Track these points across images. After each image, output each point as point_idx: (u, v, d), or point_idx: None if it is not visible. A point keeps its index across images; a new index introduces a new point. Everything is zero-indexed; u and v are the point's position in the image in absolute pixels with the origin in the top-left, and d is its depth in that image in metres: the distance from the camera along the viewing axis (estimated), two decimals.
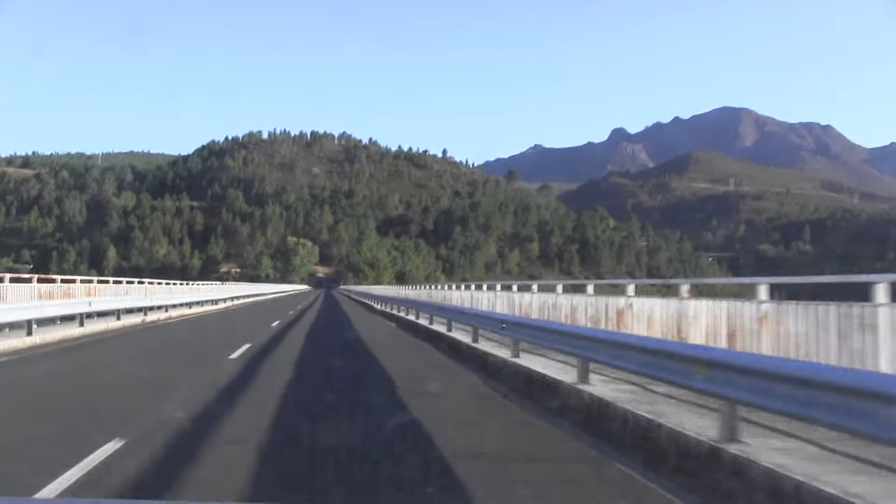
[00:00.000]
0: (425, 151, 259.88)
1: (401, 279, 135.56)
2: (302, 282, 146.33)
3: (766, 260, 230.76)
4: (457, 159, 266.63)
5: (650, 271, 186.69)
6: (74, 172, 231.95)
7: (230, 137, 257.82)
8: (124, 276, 30.30)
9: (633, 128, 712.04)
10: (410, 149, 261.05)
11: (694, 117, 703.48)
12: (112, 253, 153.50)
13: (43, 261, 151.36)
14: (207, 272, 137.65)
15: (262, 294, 65.54)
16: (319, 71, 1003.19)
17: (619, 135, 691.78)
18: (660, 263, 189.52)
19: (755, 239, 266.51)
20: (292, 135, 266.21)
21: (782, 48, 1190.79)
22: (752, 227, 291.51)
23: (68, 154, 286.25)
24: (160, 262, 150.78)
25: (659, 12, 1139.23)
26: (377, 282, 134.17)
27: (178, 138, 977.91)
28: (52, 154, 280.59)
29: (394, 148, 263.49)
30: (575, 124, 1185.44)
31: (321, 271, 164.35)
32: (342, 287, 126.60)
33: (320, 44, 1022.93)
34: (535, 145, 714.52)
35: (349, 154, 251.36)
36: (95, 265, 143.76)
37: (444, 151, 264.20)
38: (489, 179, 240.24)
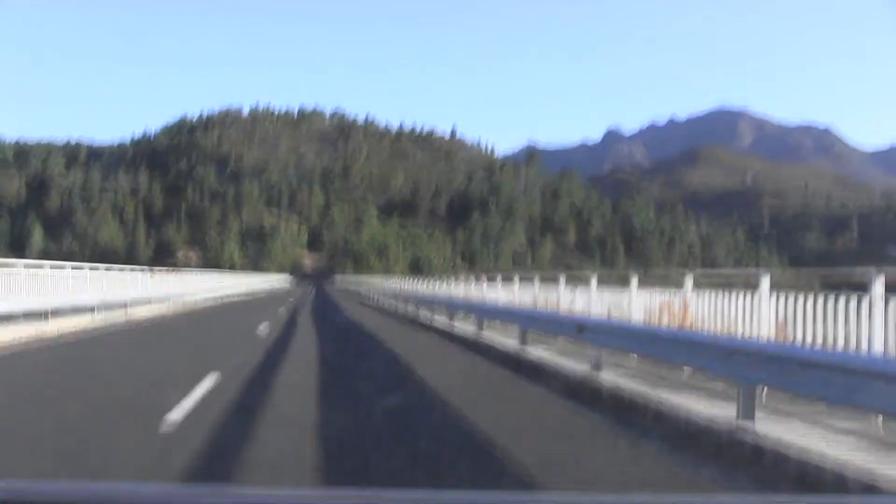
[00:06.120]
0: (431, 131, 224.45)
1: (415, 269, 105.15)
2: (281, 272, 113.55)
3: (812, 254, 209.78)
4: (467, 141, 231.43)
5: (705, 265, 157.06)
6: (21, 150, 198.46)
7: (205, 114, 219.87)
8: None
9: (629, 128, 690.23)
10: (413, 128, 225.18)
11: (690, 118, 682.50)
12: (38, 235, 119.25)
13: None
14: (162, 259, 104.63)
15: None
16: (306, 44, 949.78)
17: (613, 135, 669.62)
18: (716, 255, 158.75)
19: (789, 234, 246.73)
20: (276, 112, 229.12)
21: (780, 49, 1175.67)
22: (776, 222, 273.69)
23: (38, 143, 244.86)
24: (102, 246, 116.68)
25: (656, 12, 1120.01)
26: (387, 273, 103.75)
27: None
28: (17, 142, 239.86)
29: (395, 126, 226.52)
30: (569, 123, 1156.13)
31: (310, 260, 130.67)
32: (340, 278, 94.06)
33: (305, 17, 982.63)
34: (529, 144, 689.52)
35: (343, 132, 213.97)
36: (16, 250, 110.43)
37: (454, 132, 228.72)
38: (507, 163, 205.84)
